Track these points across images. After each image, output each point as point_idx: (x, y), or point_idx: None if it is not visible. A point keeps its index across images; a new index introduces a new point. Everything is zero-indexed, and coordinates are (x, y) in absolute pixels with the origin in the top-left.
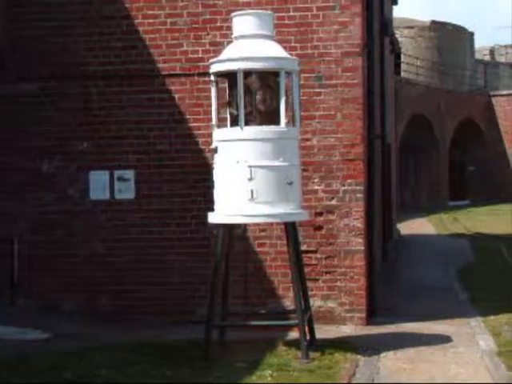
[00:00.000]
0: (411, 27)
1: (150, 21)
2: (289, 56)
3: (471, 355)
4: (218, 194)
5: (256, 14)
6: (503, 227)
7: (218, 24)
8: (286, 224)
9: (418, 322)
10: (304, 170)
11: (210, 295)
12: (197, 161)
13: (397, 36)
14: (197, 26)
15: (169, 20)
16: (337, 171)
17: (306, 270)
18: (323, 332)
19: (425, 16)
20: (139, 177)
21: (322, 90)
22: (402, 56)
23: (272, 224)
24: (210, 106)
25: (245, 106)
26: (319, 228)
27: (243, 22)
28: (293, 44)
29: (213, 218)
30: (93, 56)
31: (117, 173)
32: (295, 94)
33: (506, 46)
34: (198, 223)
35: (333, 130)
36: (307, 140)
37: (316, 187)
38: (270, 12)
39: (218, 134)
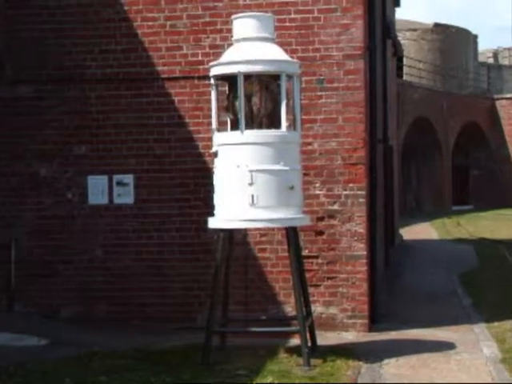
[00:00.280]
0: (414, 30)
1: (149, 23)
2: (290, 59)
3: (475, 362)
4: (219, 198)
5: (256, 17)
6: (507, 232)
7: (218, 27)
8: (287, 229)
9: (421, 328)
10: (305, 175)
11: (210, 301)
12: (197, 165)
13: (399, 38)
14: (196, 28)
15: (168, 22)
16: (338, 175)
17: (308, 275)
18: (325, 339)
19: (427, 18)
20: (138, 181)
21: (324, 94)
22: (405, 59)
23: (273, 229)
24: (210, 109)
25: (245, 110)
26: (321, 233)
27: (243, 25)
28: (294, 47)
29: (213, 222)
30: (91, 59)
31: (116, 177)
32: (296, 97)
33: (509, 49)
34: (198, 228)
35: (334, 133)
36: (308, 144)
37: (317, 192)
38: (270, 14)
39: (218, 138)
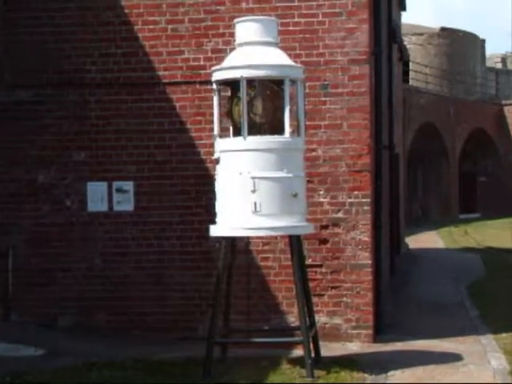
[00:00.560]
0: (420, 34)
1: (151, 27)
2: (293, 64)
3: (482, 374)
4: (221, 206)
5: (260, 21)
6: None
7: (221, 30)
8: (290, 237)
9: (427, 339)
10: (309, 182)
11: (211, 311)
12: (198, 172)
13: (405, 43)
14: (198, 32)
15: (170, 26)
16: (343, 183)
17: (311, 284)
18: (329, 349)
19: (434, 22)
20: (139, 188)
21: (328, 99)
22: (411, 63)
23: (276, 237)
24: (212, 115)
25: (248, 115)
26: (325, 241)
27: (246, 29)
28: (298, 51)
29: (215, 230)
30: (91, 63)
31: (115, 184)
32: (300, 102)
33: None
34: (200, 236)
35: (339, 140)
36: (312, 150)
37: (321, 199)
38: (274, 18)
39: (221, 144)
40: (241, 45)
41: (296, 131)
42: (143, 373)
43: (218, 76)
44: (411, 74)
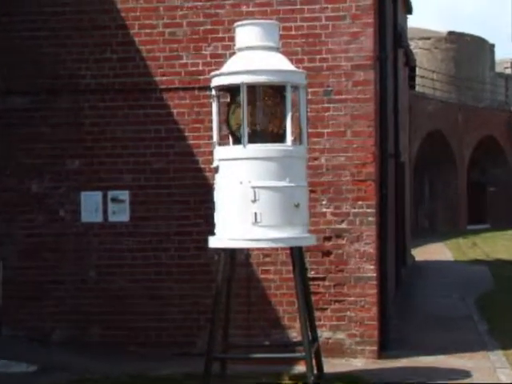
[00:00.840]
0: (427, 38)
1: (147, 31)
2: (295, 69)
3: None
4: (220, 216)
5: (260, 24)
6: None
7: (220, 35)
8: (292, 249)
9: (434, 355)
10: (312, 191)
11: (210, 325)
12: (197, 181)
13: (411, 47)
14: (197, 36)
15: (167, 30)
16: (347, 192)
17: (314, 298)
18: (332, 366)
19: (441, 26)
20: (135, 198)
21: (331, 106)
22: (417, 69)
23: (277, 249)
24: (210, 122)
25: (248, 123)
26: (328, 253)
27: (247, 33)
28: (300, 56)
29: (214, 242)
30: (86, 68)
31: (110, 193)
32: (302, 109)
33: None
34: (198, 248)
35: (342, 148)
36: (315, 159)
37: (324, 210)
38: (275, 22)
39: (220, 152)
40: (241, 49)
41: (298, 139)
42: None
43: (217, 82)
44: (418, 80)
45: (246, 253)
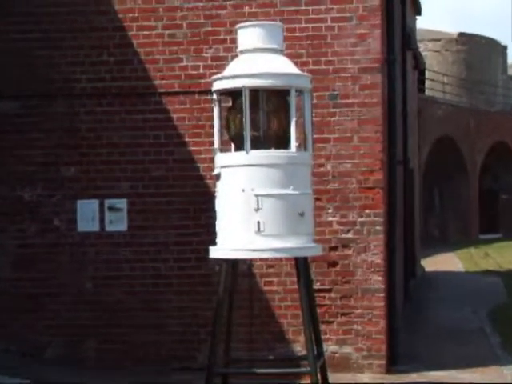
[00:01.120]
0: (437, 40)
1: (146, 33)
2: (300, 72)
3: None
4: (221, 225)
5: (263, 26)
6: None
7: (222, 36)
8: (296, 259)
9: (445, 370)
10: (317, 200)
11: (211, 339)
12: (197, 189)
13: (420, 50)
14: (198, 38)
15: (166, 32)
16: (353, 200)
17: (319, 311)
18: (338, 381)
19: (452, 27)
20: (133, 206)
21: (337, 110)
22: (427, 72)
23: (281, 259)
24: (212, 127)
25: (251, 128)
26: (334, 264)
27: (249, 35)
28: (305, 59)
29: (215, 252)
30: (81, 72)
31: (107, 202)
32: (307, 114)
33: None
34: (199, 258)
35: (349, 154)
36: (321, 166)
37: (330, 218)
38: (279, 23)
39: (221, 159)
40: (243, 52)
41: (303, 145)
42: None
43: (218, 85)
44: (427, 83)
45: (248, 263)
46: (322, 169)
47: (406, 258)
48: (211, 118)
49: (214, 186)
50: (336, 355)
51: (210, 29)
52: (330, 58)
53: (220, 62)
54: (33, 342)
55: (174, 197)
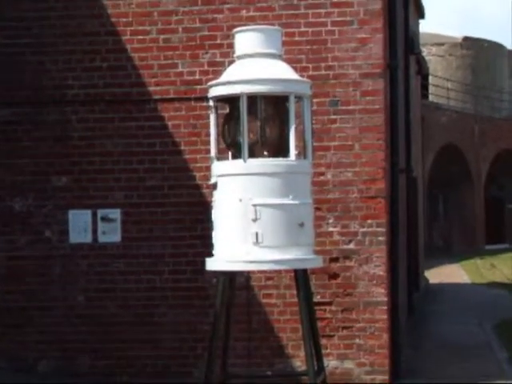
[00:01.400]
0: (441, 44)
1: (140, 37)
2: (299, 78)
3: None
4: (218, 236)
5: (262, 30)
6: None
7: (218, 41)
8: (296, 271)
9: None
10: (317, 209)
11: (208, 354)
12: (193, 198)
13: (424, 54)
14: (194, 43)
15: (161, 36)
16: (355, 210)
17: (320, 324)
18: None
19: (456, 31)
20: (126, 217)
21: (338, 117)
22: (430, 77)
23: (280, 272)
24: (208, 135)
25: (249, 136)
26: (335, 276)
27: (247, 39)
28: (304, 64)
29: (211, 264)
30: (73, 78)
31: (100, 212)
32: (307, 121)
33: None
34: (195, 270)
35: (350, 162)
36: (321, 174)
37: (331, 229)
38: (277, 28)
39: (218, 168)
40: (241, 57)
41: (302, 153)
42: None
43: (215, 92)
44: (431, 89)
45: (246, 276)
46: (322, 178)
47: (409, 270)
48: (207, 126)
49: (211, 195)
50: (337, 370)
51: (206, 33)
52: (331, 63)
53: (217, 68)
54: (23, 358)
55: (169, 207)
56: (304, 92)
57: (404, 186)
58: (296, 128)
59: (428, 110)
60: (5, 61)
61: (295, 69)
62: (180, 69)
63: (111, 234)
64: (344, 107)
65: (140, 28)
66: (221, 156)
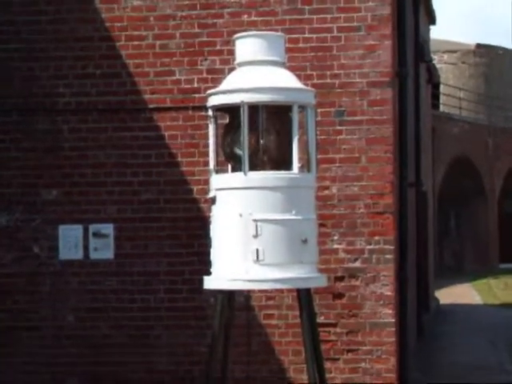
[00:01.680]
0: (453, 51)
1: (136, 43)
2: (303, 87)
3: None
4: (216, 253)
5: (264, 36)
6: None
7: (218, 47)
8: (298, 291)
9: None
10: (321, 225)
11: (205, 378)
12: (190, 213)
13: (435, 62)
14: (192, 49)
15: (158, 42)
16: (361, 226)
17: (324, 347)
18: None
19: (469, 38)
20: (120, 232)
21: (344, 128)
22: (442, 86)
23: (282, 291)
24: (206, 146)
25: (249, 147)
26: (340, 296)
27: (248, 46)
28: (308, 72)
29: (209, 282)
30: (65, 85)
31: (92, 227)
32: (311, 132)
33: None
34: (192, 289)
35: (356, 176)
36: (325, 188)
37: (336, 246)
38: (280, 33)
39: (217, 181)
40: (241, 64)
41: (306, 166)
42: None
43: (214, 101)
44: (442, 99)
45: (246, 295)
46: (326, 192)
47: (418, 290)
48: (206, 136)
49: (209, 210)
50: None
51: (205, 39)
52: (336, 72)
53: (216, 75)
54: (9, 381)
55: (164, 222)
56: (308, 101)
57: (413, 200)
58: (299, 139)
59: (439, 121)
60: None
61: (299, 77)
62: (177, 76)
63: (103, 250)
64: (350, 118)
65: (135, 33)
66: (220, 168)
